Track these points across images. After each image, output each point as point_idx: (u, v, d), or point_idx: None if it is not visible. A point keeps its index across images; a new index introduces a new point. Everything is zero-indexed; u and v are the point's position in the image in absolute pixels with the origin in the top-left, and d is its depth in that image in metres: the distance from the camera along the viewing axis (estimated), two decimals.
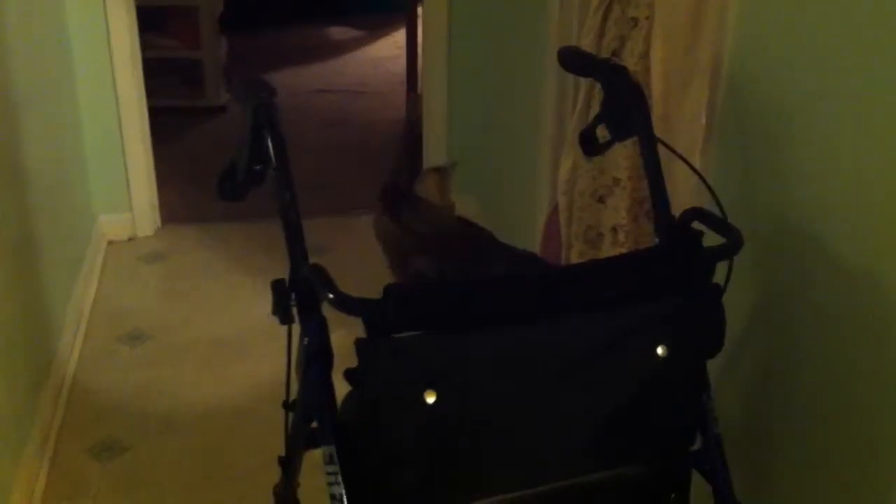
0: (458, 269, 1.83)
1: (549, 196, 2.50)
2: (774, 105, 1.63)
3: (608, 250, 2.15)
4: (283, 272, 1.43)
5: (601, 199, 2.14)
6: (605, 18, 2.08)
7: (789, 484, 1.66)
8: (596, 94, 2.04)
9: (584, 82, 2.11)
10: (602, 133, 1.66)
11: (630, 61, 2.00)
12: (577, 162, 2.13)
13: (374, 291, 1.28)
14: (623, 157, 2.05)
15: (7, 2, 2.55)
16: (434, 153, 3.87)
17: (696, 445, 1.49)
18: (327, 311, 1.35)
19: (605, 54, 2.06)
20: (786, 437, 1.65)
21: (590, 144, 1.67)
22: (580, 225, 2.19)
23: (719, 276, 1.44)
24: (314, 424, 1.40)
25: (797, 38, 1.56)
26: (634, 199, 2.09)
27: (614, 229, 2.14)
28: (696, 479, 1.50)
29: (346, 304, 1.27)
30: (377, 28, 6.52)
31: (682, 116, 1.89)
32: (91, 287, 3.35)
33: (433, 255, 1.90)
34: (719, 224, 1.45)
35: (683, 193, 1.76)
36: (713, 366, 1.49)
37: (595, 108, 2.04)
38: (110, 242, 3.71)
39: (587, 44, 2.10)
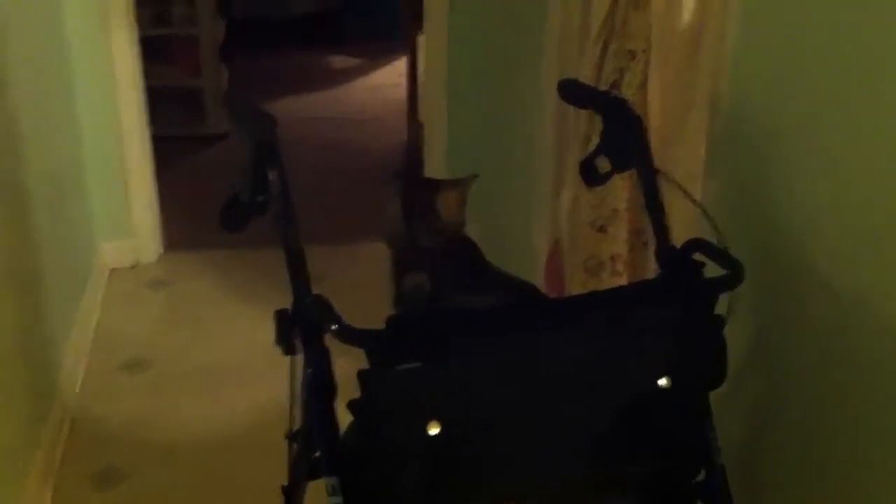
0: (456, 292, 1.83)
1: (548, 225, 2.50)
2: (773, 135, 1.64)
3: (608, 279, 2.16)
4: (286, 300, 1.43)
5: (601, 229, 2.15)
6: (604, 50, 2.10)
7: None
8: (595, 125, 2.05)
9: (583, 113, 2.12)
10: (602, 164, 1.67)
11: (628, 92, 2.02)
12: (579, 192, 2.14)
13: (374, 318, 1.29)
14: (622, 188, 2.06)
15: (10, 30, 2.57)
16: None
17: (700, 477, 1.49)
18: (330, 339, 1.36)
19: (604, 86, 2.08)
20: (790, 468, 1.65)
21: (590, 175, 1.68)
22: (581, 255, 2.20)
23: (720, 307, 1.45)
24: (317, 454, 1.40)
25: (795, 67, 1.57)
26: (632, 230, 2.10)
27: (612, 258, 2.14)
28: None
29: (350, 336, 1.28)
30: (378, 56, 6.55)
31: (680, 148, 1.90)
32: (93, 315, 3.35)
33: (433, 274, 1.90)
34: (721, 255, 1.45)
35: (680, 224, 1.77)
36: (716, 395, 1.49)
37: (595, 140, 2.05)
38: (113, 270, 3.71)
39: (586, 75, 2.11)
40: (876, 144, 1.37)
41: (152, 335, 3.34)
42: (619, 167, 1.63)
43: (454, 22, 3.67)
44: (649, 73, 1.98)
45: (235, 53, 5.70)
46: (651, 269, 2.00)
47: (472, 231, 2.04)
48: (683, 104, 1.89)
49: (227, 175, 1.55)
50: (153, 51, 4.65)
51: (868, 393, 1.42)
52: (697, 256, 1.48)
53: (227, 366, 3.12)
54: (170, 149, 4.45)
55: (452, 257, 1.98)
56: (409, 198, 2.09)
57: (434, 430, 1.27)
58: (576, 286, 2.25)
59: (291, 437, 1.52)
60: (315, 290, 1.35)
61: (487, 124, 3.67)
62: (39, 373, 2.64)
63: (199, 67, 5.08)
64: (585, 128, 2.11)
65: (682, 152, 1.90)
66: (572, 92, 1.78)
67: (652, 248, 2.01)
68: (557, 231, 2.39)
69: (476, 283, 1.88)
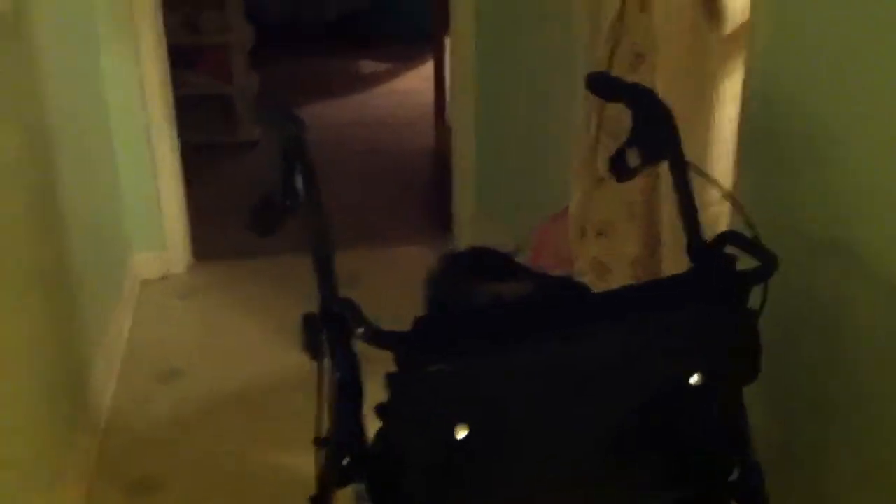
0: (486, 282, 1.81)
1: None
2: (805, 129, 1.61)
3: (619, 282, 2.13)
4: (316, 307, 1.42)
5: (601, 233, 2.13)
6: (613, 52, 2.08)
7: None
8: (604, 124, 2.03)
9: (595, 115, 2.10)
10: (633, 157, 1.64)
11: None
12: (587, 192, 2.11)
13: (406, 324, 1.27)
14: (628, 189, 2.03)
15: (41, 40, 2.58)
16: (463, 184, 3.86)
17: (735, 475, 1.46)
18: (358, 345, 1.34)
19: None
20: (827, 464, 1.61)
21: (621, 169, 1.65)
22: (588, 255, 2.18)
23: (753, 300, 1.42)
24: (346, 461, 1.38)
25: (827, 60, 1.54)
26: (648, 231, 2.07)
27: (633, 263, 2.11)
28: None
29: (378, 338, 1.27)
30: (405, 60, 6.54)
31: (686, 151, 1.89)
32: (125, 325, 3.36)
33: (459, 279, 1.88)
34: (753, 247, 1.42)
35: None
36: (751, 391, 1.46)
37: (603, 139, 2.04)
38: (144, 281, 3.72)
39: None
40: None
41: (184, 345, 3.34)
42: (649, 160, 1.60)
43: (481, 23, 3.65)
44: (656, 77, 1.95)
45: (266, 59, 5.71)
46: (664, 270, 1.98)
47: (498, 237, 2.03)
48: (689, 109, 1.87)
49: (258, 183, 1.54)
50: (183, 59, 4.67)
51: None
52: (729, 249, 1.45)
53: (260, 374, 3.11)
54: (201, 156, 4.47)
55: (478, 256, 1.97)
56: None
57: (462, 434, 1.25)
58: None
59: (319, 443, 1.50)
60: (349, 294, 1.34)
61: (516, 125, 3.64)
62: (72, 382, 2.64)
63: (229, 74, 5.09)
64: (595, 128, 2.08)
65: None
66: (600, 84, 1.76)
67: (664, 247, 2.00)
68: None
69: (506, 274, 1.86)
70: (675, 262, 1.96)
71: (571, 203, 2.16)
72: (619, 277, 2.13)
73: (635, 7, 2.00)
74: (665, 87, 1.93)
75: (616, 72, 2.08)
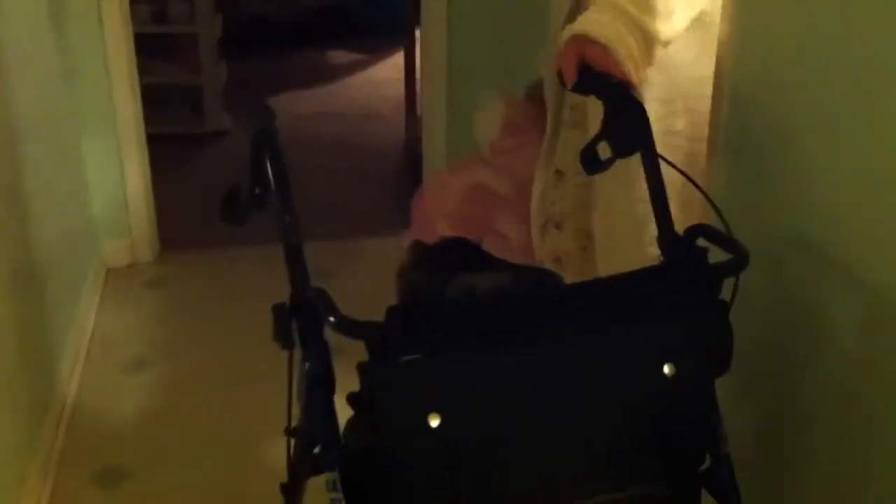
0: (456, 279, 1.82)
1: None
2: (777, 120, 1.61)
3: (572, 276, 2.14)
4: (286, 297, 1.41)
5: (558, 226, 2.14)
6: None
7: (801, 502, 1.63)
8: (565, 118, 2.04)
9: (549, 110, 2.10)
10: (604, 150, 1.65)
11: None
12: (547, 185, 2.12)
13: (377, 316, 1.27)
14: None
15: (7, 29, 2.54)
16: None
17: (706, 465, 1.47)
18: (328, 335, 1.34)
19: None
20: (797, 455, 1.63)
21: (592, 162, 1.66)
22: (547, 248, 2.19)
23: (725, 293, 1.42)
24: (317, 450, 1.38)
25: (799, 51, 1.55)
26: (579, 229, 2.10)
27: (558, 259, 2.13)
28: (707, 499, 1.48)
29: (349, 328, 1.26)
30: (377, 51, 6.52)
31: None
32: (91, 313, 3.33)
33: (432, 269, 1.88)
34: (724, 240, 1.43)
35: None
36: (723, 384, 1.47)
37: (563, 132, 2.05)
38: (110, 269, 3.69)
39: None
40: (886, 126, 1.34)
41: (151, 334, 3.32)
42: (621, 152, 1.60)
43: (453, 13, 3.64)
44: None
45: (236, 50, 5.67)
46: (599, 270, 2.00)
47: None
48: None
49: (226, 173, 1.53)
50: (152, 48, 4.63)
51: (885, 382, 1.39)
52: (701, 242, 1.45)
53: (227, 364, 3.10)
54: (169, 147, 4.44)
55: (451, 248, 1.97)
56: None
57: (434, 423, 1.25)
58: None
59: (290, 433, 1.50)
60: (322, 286, 1.33)
61: None
62: (37, 372, 2.62)
63: (198, 65, 5.05)
64: (554, 121, 2.08)
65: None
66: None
67: (596, 245, 2.02)
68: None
69: (480, 265, 1.87)
70: (605, 262, 1.98)
71: (532, 196, 2.17)
72: (570, 271, 2.14)
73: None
74: None
75: None
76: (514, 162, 2.32)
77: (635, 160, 1.57)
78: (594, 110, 1.86)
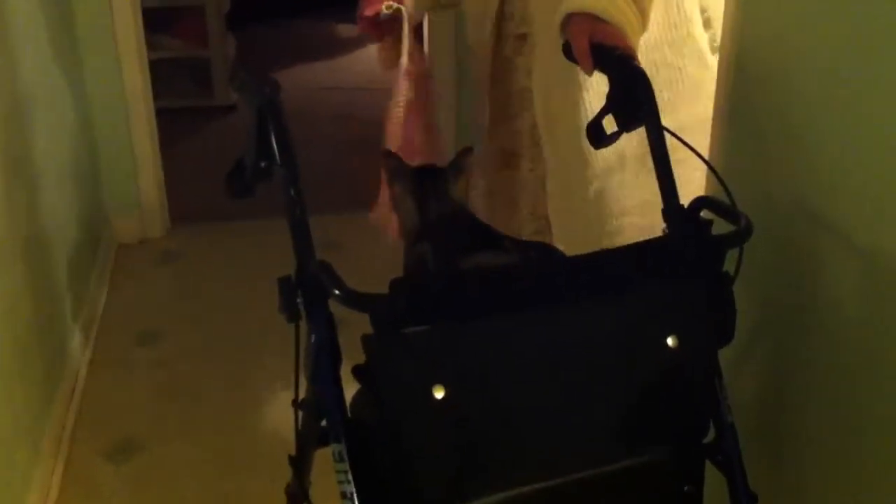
0: (463, 253, 1.82)
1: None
2: (782, 92, 1.61)
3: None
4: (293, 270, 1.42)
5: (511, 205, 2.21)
6: (498, 34, 2.11)
7: (806, 474, 1.64)
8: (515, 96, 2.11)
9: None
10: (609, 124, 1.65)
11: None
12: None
13: (383, 289, 1.27)
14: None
15: (14, 4, 2.55)
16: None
17: (710, 437, 1.48)
18: (333, 308, 1.35)
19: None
20: (801, 427, 1.63)
21: (598, 136, 1.65)
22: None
23: (729, 265, 1.43)
24: (324, 422, 1.39)
25: (802, 22, 1.54)
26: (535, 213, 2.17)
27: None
28: (711, 471, 1.49)
29: (353, 300, 1.27)
30: None
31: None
32: (103, 288, 3.35)
33: (439, 243, 1.89)
34: (728, 211, 1.43)
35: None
36: (726, 355, 1.48)
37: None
38: (121, 245, 3.71)
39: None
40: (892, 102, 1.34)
41: (163, 309, 3.34)
42: (626, 126, 1.60)
43: None
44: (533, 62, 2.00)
45: (242, 22, 5.65)
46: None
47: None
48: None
49: (235, 147, 1.54)
50: (159, 22, 4.63)
51: (888, 352, 1.40)
52: (705, 214, 1.46)
53: (239, 337, 3.12)
54: (178, 121, 4.44)
55: (458, 224, 1.97)
56: (418, 182, 2.07)
57: (439, 395, 1.26)
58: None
59: (298, 404, 1.51)
60: (330, 259, 1.34)
61: None
62: (49, 347, 2.64)
63: (205, 38, 5.04)
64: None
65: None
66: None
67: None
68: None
69: (483, 244, 1.87)
70: (566, 245, 2.02)
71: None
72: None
73: None
74: (542, 66, 1.98)
75: (504, 53, 2.12)
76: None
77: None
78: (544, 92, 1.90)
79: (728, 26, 1.74)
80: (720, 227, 1.44)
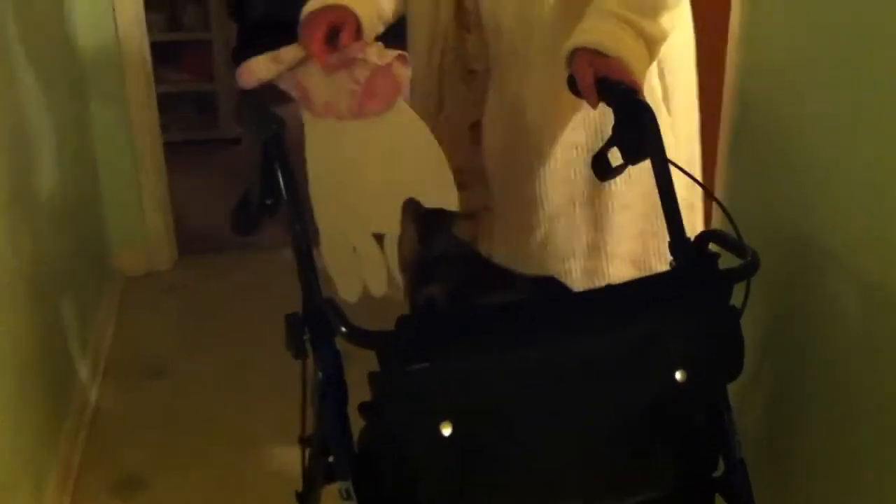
0: (471, 296, 1.81)
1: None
2: (785, 124, 1.61)
3: None
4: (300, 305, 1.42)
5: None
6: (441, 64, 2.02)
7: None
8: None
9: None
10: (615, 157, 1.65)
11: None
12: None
13: (387, 323, 1.27)
14: None
15: (20, 36, 2.56)
16: None
17: (719, 471, 1.47)
18: (340, 344, 1.35)
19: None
20: (811, 460, 1.62)
21: (603, 168, 1.66)
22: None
23: (736, 298, 1.42)
24: (331, 458, 1.39)
25: (805, 56, 1.55)
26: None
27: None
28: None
29: (360, 337, 1.27)
30: None
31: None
32: (110, 322, 3.35)
33: (445, 282, 1.88)
34: (735, 245, 1.43)
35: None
36: (734, 388, 1.47)
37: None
38: (129, 278, 3.71)
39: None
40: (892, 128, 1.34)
41: (170, 341, 3.33)
42: (632, 159, 1.60)
43: None
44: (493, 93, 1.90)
45: (249, 57, 5.66)
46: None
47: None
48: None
49: (240, 180, 1.54)
50: (166, 56, 4.65)
51: (886, 381, 1.39)
52: (712, 247, 1.46)
53: (247, 371, 3.11)
54: (184, 154, 4.45)
55: (466, 261, 1.97)
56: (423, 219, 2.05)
57: (446, 431, 1.25)
58: None
59: (305, 441, 1.51)
60: (326, 295, 1.34)
61: None
62: (56, 381, 2.63)
63: (211, 72, 5.07)
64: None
65: None
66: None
67: None
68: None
69: (493, 282, 1.86)
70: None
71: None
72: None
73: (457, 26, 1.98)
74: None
75: (448, 81, 2.00)
76: None
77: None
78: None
79: (732, 62, 1.75)
80: (726, 260, 1.44)
